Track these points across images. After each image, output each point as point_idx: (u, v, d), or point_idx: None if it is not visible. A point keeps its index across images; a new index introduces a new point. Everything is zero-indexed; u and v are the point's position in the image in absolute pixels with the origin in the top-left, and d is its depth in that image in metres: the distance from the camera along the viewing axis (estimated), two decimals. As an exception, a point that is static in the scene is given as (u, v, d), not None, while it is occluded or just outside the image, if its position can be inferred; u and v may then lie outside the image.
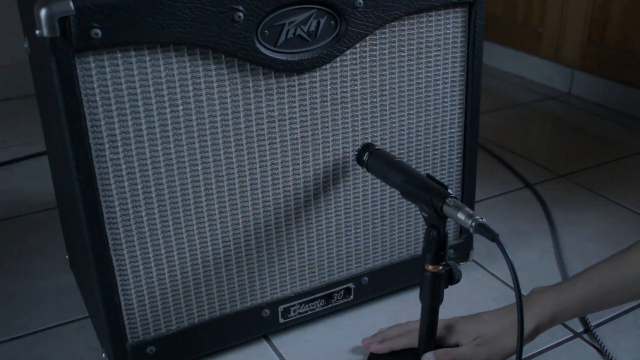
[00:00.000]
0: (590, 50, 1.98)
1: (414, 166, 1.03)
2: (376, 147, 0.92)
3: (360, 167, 0.97)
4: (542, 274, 1.17)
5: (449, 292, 1.13)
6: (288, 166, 0.93)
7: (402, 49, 0.96)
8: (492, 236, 0.74)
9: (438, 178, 1.06)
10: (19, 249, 1.27)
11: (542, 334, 0.92)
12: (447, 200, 0.79)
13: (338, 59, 0.91)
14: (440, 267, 0.84)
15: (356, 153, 0.94)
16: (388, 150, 0.99)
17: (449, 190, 0.80)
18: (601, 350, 0.98)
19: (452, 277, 0.86)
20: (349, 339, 1.02)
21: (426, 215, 0.82)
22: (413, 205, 1.06)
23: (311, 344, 1.01)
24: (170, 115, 0.82)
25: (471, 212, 0.76)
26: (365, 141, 0.97)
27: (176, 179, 0.85)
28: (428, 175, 0.84)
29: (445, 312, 1.08)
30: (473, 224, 0.75)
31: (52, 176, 1.12)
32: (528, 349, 0.98)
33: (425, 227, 0.83)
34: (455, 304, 1.09)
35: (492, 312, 0.94)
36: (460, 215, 0.76)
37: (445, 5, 0.96)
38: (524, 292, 1.13)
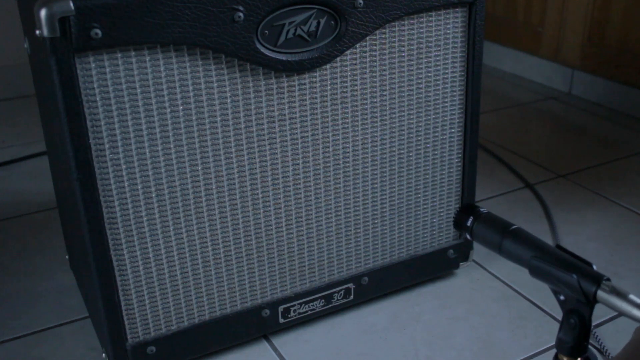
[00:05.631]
0: (590, 50, 1.98)
1: (413, 166, 1.03)
2: (481, 210, 0.76)
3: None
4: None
5: (448, 293, 1.13)
6: (288, 166, 0.93)
7: (402, 49, 0.96)
8: None
9: (438, 178, 1.06)
10: (19, 249, 1.27)
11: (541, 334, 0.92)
12: (602, 285, 0.63)
13: (338, 59, 0.91)
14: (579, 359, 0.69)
15: (454, 216, 0.77)
16: (388, 150, 0.99)
17: (594, 267, 0.65)
18: (601, 350, 0.98)
19: None
20: (349, 339, 1.02)
21: (563, 298, 0.67)
22: (413, 205, 1.06)
23: (311, 344, 1.01)
24: (170, 115, 0.82)
25: (638, 301, 0.61)
26: (373, 143, 0.97)
27: (176, 179, 0.85)
28: (558, 246, 0.70)
29: (445, 312, 1.08)
30: None
31: (52, 176, 1.12)
32: (527, 349, 0.98)
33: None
34: (455, 304, 1.09)
35: None
36: (626, 307, 0.60)
37: (445, 5, 0.96)
38: (529, 294, 1.13)
